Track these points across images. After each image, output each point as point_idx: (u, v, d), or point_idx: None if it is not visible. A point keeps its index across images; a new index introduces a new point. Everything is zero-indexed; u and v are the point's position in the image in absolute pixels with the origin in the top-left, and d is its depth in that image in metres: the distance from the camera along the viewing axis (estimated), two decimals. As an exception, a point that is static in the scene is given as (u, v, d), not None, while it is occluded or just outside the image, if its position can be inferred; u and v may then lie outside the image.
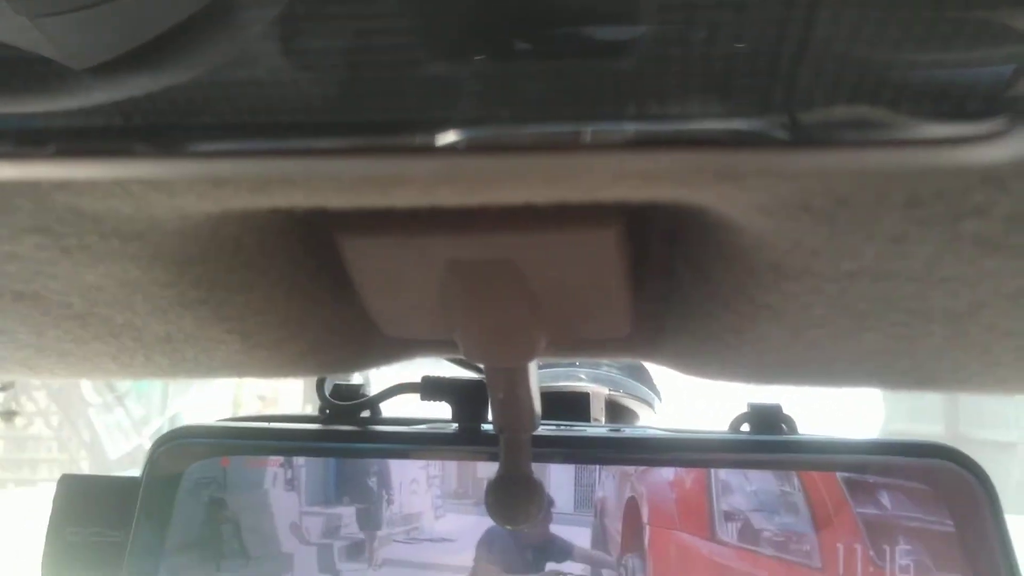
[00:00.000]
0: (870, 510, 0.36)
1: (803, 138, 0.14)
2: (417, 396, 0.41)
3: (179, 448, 0.39)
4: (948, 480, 0.35)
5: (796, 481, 0.37)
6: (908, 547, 0.35)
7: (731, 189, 0.17)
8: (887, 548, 0.35)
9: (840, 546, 0.36)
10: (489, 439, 0.38)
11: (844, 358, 0.25)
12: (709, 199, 0.18)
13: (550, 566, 0.38)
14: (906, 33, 0.12)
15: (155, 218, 0.19)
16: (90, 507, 0.39)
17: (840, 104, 0.13)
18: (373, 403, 0.42)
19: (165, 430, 0.41)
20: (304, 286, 0.26)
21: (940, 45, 0.12)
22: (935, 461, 0.36)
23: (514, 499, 0.32)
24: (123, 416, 3.43)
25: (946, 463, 0.35)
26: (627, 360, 0.33)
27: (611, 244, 0.23)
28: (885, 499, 0.36)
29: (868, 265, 0.19)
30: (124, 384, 3.38)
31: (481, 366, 0.46)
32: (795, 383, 0.30)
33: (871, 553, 0.36)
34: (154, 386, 3.50)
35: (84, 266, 0.21)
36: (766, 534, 0.36)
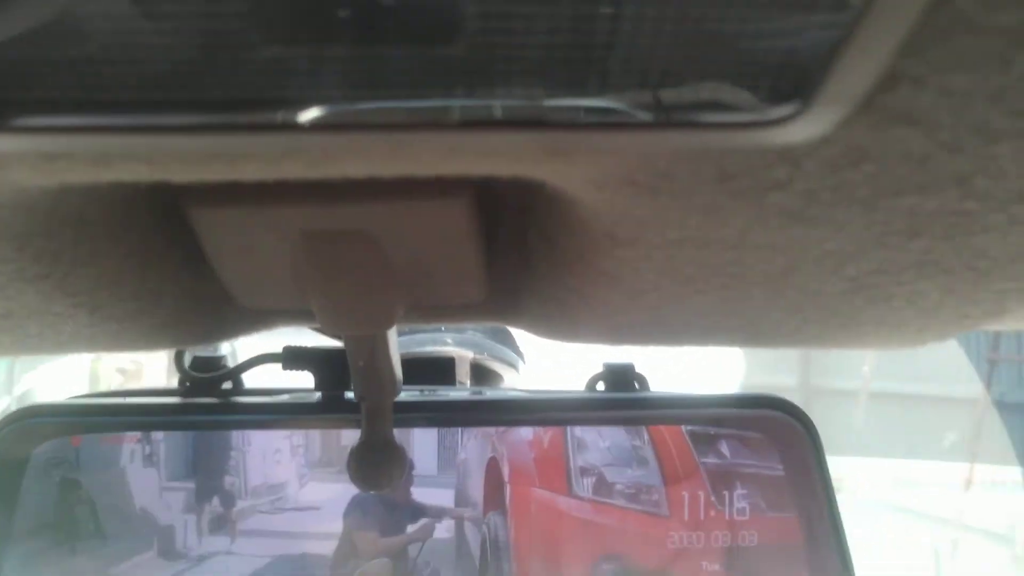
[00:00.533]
0: (711, 459, 0.39)
1: (623, 119, 0.15)
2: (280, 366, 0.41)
3: (25, 429, 0.37)
4: (779, 428, 0.39)
5: (646, 435, 0.39)
6: (744, 491, 0.39)
7: (562, 165, 0.18)
8: (726, 493, 0.39)
9: (685, 494, 0.39)
10: (352, 407, 0.38)
11: (678, 319, 0.27)
12: (543, 174, 0.19)
13: (415, 527, 0.39)
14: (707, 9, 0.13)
15: None
16: None
17: (654, 86, 0.15)
18: (234, 374, 0.41)
19: (13, 409, 0.39)
20: (156, 257, 0.26)
21: (733, 16, 0.13)
22: (768, 412, 0.39)
23: (376, 464, 0.33)
24: (-36, 396, 3.17)
25: (777, 413, 0.39)
26: (487, 324, 0.34)
27: (461, 213, 0.23)
28: (725, 448, 0.39)
29: (690, 234, 0.21)
30: (-36, 362, 3.12)
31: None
32: (640, 343, 0.32)
33: (712, 499, 0.39)
34: (-1, 363, 3.25)
35: None
36: (619, 487, 0.39)
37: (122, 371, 3.67)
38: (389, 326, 0.29)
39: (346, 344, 0.31)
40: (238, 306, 0.29)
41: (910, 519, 3.08)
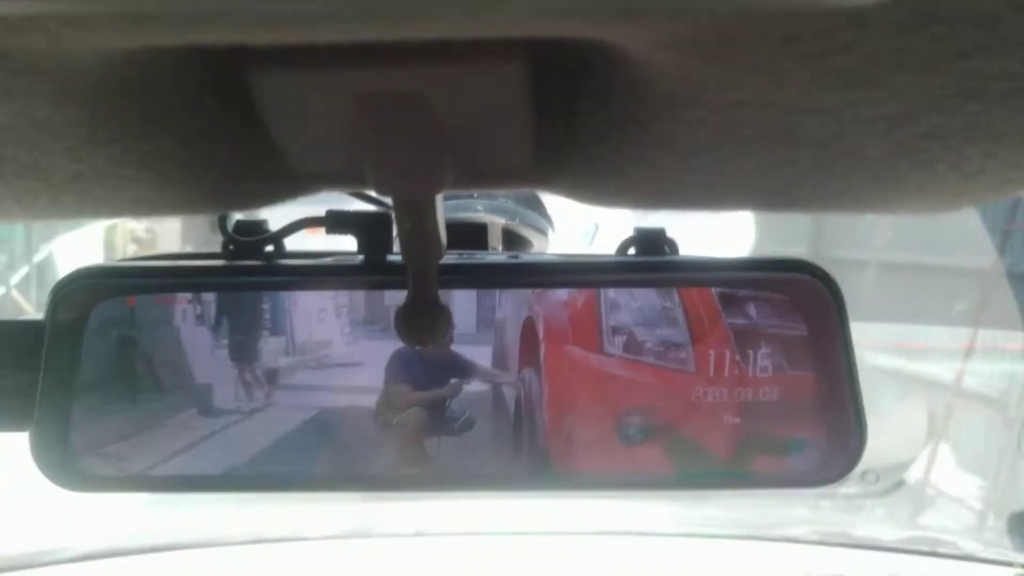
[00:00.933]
0: (738, 320, 0.41)
1: None
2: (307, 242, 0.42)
3: (83, 289, 0.39)
4: (805, 290, 0.40)
5: (676, 297, 0.41)
6: (768, 350, 0.41)
7: (634, 27, 0.18)
8: (751, 352, 0.41)
9: (711, 352, 0.41)
10: (394, 269, 0.40)
11: (725, 183, 0.28)
12: (612, 36, 0.19)
13: (453, 382, 0.41)
14: None
15: (69, 55, 0.19)
16: None
17: None
18: (277, 238, 0.42)
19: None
20: (215, 123, 0.26)
21: None
22: (795, 274, 0.40)
23: (422, 322, 0.35)
24: (-16, 265, 3.23)
25: (804, 276, 0.40)
26: (526, 191, 0.34)
27: (515, 76, 0.24)
28: (752, 310, 0.41)
29: (748, 96, 0.21)
30: (-19, 232, 3.15)
31: (387, 199, 0.47)
32: (681, 207, 0.32)
33: (737, 357, 0.41)
34: (15, 233, 3.28)
35: None
36: (648, 345, 0.41)
37: (136, 240, 3.71)
38: (439, 190, 0.30)
39: (395, 207, 0.32)
40: (290, 170, 0.30)
41: (909, 384, 3.17)
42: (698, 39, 0.19)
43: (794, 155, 0.25)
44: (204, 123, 0.26)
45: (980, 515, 2.75)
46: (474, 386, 0.41)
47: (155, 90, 0.23)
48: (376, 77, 0.23)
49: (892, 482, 2.24)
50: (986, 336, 2.98)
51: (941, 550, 1.19)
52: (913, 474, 2.82)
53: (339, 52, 0.22)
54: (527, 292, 0.41)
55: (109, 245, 3.60)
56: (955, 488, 2.88)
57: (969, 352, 3.02)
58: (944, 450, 2.94)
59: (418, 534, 1.21)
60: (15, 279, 3.31)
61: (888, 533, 1.26)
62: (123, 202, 0.28)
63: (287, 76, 0.23)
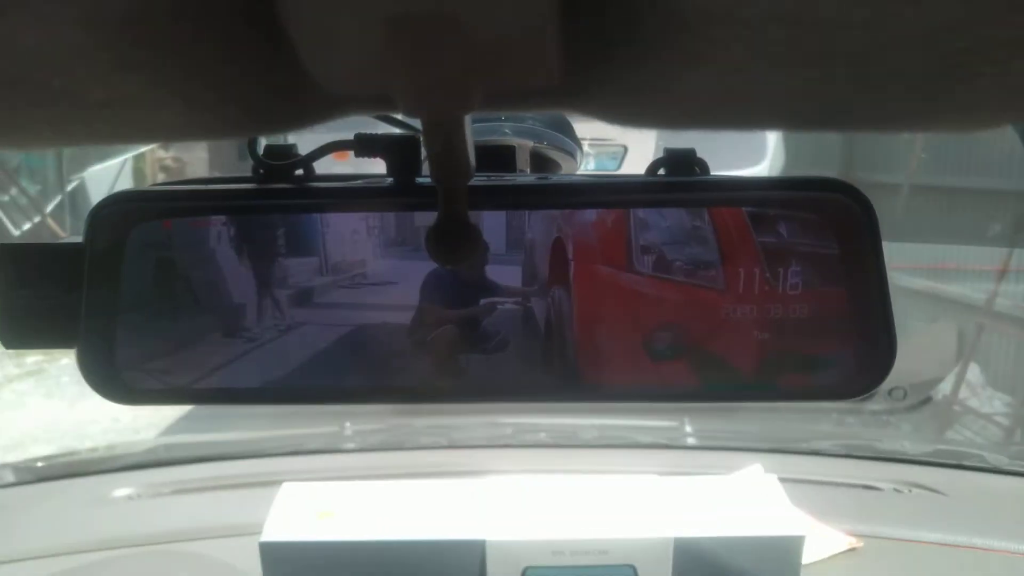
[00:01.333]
0: (769, 238, 0.41)
1: None
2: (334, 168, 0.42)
3: (120, 212, 0.40)
4: (837, 209, 0.40)
5: (706, 216, 0.41)
6: (798, 268, 0.41)
7: None
8: (781, 270, 0.41)
9: (741, 270, 0.41)
10: (424, 191, 0.40)
11: (758, 102, 0.28)
12: None
13: (486, 300, 0.42)
14: None
15: None
16: (36, 272, 0.40)
17: None
18: (307, 161, 0.43)
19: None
20: (243, 45, 0.26)
21: None
22: (827, 193, 0.40)
23: (453, 242, 0.35)
24: (18, 194, 3.27)
25: (836, 194, 0.40)
26: (555, 112, 0.34)
27: None
28: (782, 228, 0.41)
29: (784, 11, 0.21)
30: (13, 160, 3.19)
31: (414, 122, 0.47)
32: (714, 127, 0.32)
33: (767, 275, 0.41)
34: (47, 161, 3.31)
35: (20, 28, 0.21)
36: (678, 263, 0.41)
37: (165, 168, 3.73)
38: (469, 110, 0.30)
39: (424, 129, 0.32)
40: (319, 93, 0.30)
41: (940, 304, 3.15)
42: None
43: (830, 73, 0.25)
44: (233, 46, 0.26)
45: (1007, 431, 2.76)
46: (505, 305, 0.41)
47: (184, 12, 0.23)
48: None
49: (919, 399, 2.25)
50: (1021, 256, 2.93)
51: (967, 463, 1.21)
52: (941, 391, 2.83)
53: None
54: (556, 213, 0.41)
55: (138, 173, 3.63)
56: (982, 405, 2.89)
57: (1003, 274, 2.98)
58: (973, 369, 2.94)
59: (451, 445, 1.25)
60: (49, 207, 3.36)
61: (914, 447, 1.27)
62: (155, 127, 0.29)
63: None
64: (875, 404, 2.21)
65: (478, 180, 0.40)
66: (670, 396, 0.44)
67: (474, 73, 0.27)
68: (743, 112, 0.30)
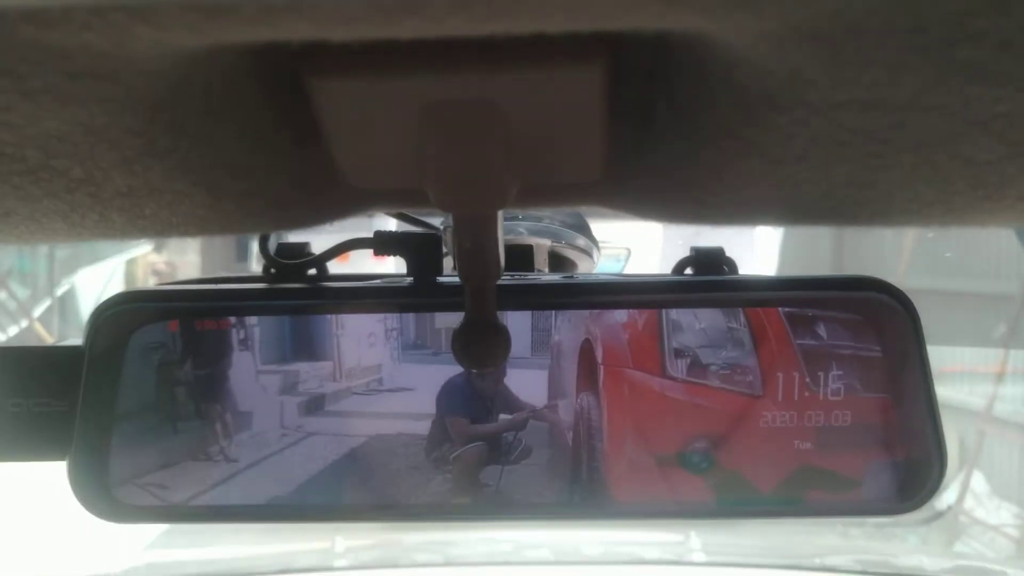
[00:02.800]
0: (808, 340, 0.39)
1: None
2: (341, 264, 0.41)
3: (124, 313, 0.38)
4: (878, 309, 0.38)
5: (742, 317, 0.39)
6: (840, 372, 0.38)
7: (746, 15, 0.16)
8: (821, 374, 0.38)
9: (780, 375, 0.39)
10: (446, 290, 0.38)
11: (813, 193, 0.26)
12: (723, 27, 0.17)
13: (509, 417, 0.39)
14: None
15: (131, 56, 0.17)
16: (30, 378, 0.38)
17: None
18: (320, 261, 0.41)
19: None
20: (270, 135, 0.25)
21: None
22: (867, 293, 0.38)
23: (481, 344, 0.33)
24: (7, 298, 3.26)
25: (877, 294, 0.38)
26: (593, 208, 0.33)
27: (592, 81, 0.22)
28: (821, 330, 0.39)
29: (858, 96, 0.20)
30: (5, 263, 3.19)
31: (434, 222, 0.46)
32: (756, 222, 0.31)
33: (807, 380, 0.38)
34: (38, 265, 3.31)
35: (46, 112, 0.19)
36: (713, 368, 0.39)
37: (157, 272, 3.73)
38: (503, 206, 0.28)
39: (455, 224, 0.30)
40: (346, 187, 0.29)
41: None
42: (817, 28, 0.17)
43: (893, 160, 0.23)
44: (261, 136, 0.25)
45: (1017, 543, 2.68)
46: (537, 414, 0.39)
47: (214, 99, 0.22)
48: (443, 84, 0.22)
49: (930, 512, 2.19)
50: (1018, 359, 2.93)
51: (990, 581, 1.16)
52: (946, 502, 2.76)
53: (405, 58, 0.21)
54: (583, 314, 0.39)
55: (130, 277, 3.63)
56: (990, 516, 2.81)
57: (1000, 376, 2.97)
58: (977, 477, 2.88)
59: (448, 563, 1.18)
60: (38, 311, 3.34)
61: (931, 562, 1.21)
62: (174, 219, 0.27)
63: (349, 83, 0.22)
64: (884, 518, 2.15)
65: (503, 279, 0.38)
66: (708, 514, 0.41)
67: (512, 167, 0.26)
68: (791, 207, 0.29)
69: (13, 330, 3.31)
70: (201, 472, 0.38)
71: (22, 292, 3.32)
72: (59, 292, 3.30)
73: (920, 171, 0.24)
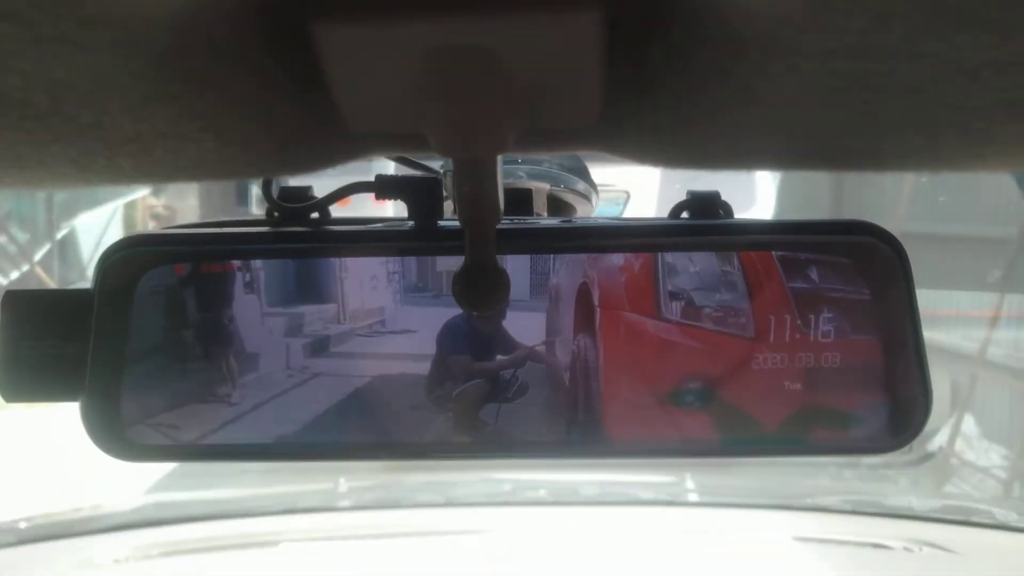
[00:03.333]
0: (800, 284, 0.39)
1: None
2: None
3: (131, 257, 0.38)
4: (869, 253, 0.39)
5: (736, 261, 0.39)
6: (830, 315, 0.39)
7: None
8: (812, 316, 0.39)
9: (772, 317, 0.39)
10: (447, 234, 0.39)
11: (805, 138, 0.27)
12: None
13: (508, 356, 0.40)
14: None
15: (141, 2, 0.18)
16: (42, 321, 0.38)
17: None
18: (323, 205, 0.41)
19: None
20: (275, 81, 0.26)
21: None
22: (859, 237, 0.39)
23: (481, 287, 0.34)
24: (7, 242, 3.26)
25: (869, 238, 0.39)
26: (591, 152, 0.33)
27: (592, 27, 0.23)
28: (814, 273, 0.40)
29: (849, 42, 0.20)
30: (2, 207, 3.18)
31: (438, 167, 0.46)
32: (753, 167, 0.31)
33: (798, 322, 0.39)
34: (36, 209, 3.30)
35: (56, 59, 0.19)
36: (707, 310, 0.40)
37: (156, 216, 3.72)
38: (503, 151, 0.29)
39: (455, 169, 0.31)
40: (346, 132, 0.29)
41: (930, 353, 3.15)
42: None
43: (883, 107, 0.24)
44: (266, 82, 0.25)
45: (1006, 484, 2.73)
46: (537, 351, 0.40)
47: (220, 46, 0.22)
48: (445, 29, 0.22)
49: (920, 454, 2.23)
50: (1012, 303, 2.95)
51: (975, 519, 1.19)
52: (937, 444, 2.80)
53: (407, 4, 0.21)
54: (581, 257, 0.40)
55: (129, 221, 3.62)
56: (979, 458, 2.87)
57: (995, 320, 2.99)
58: (968, 421, 2.93)
59: (448, 503, 1.21)
60: (38, 255, 3.34)
61: (919, 502, 1.25)
62: (180, 164, 0.28)
63: (353, 29, 0.22)
64: (873, 458, 2.19)
65: (503, 223, 0.39)
66: (699, 451, 0.42)
67: (511, 111, 0.26)
68: (785, 151, 0.29)
69: (14, 274, 3.32)
70: (210, 412, 0.40)
71: (21, 236, 3.31)
72: (59, 236, 3.30)
73: (910, 117, 0.24)
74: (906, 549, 1.12)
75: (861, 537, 1.14)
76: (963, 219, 3.08)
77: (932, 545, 1.12)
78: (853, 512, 1.23)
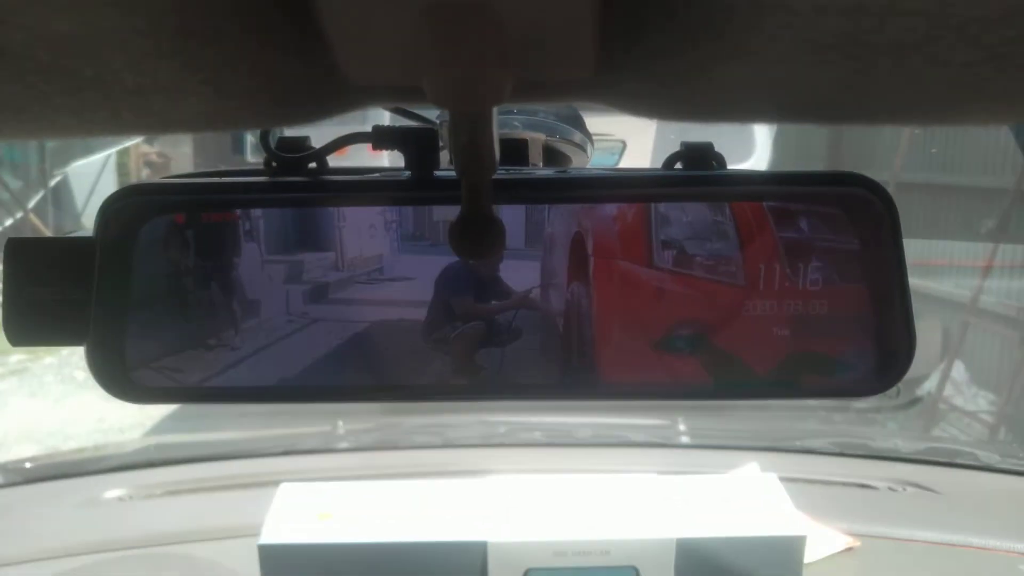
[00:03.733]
0: (789, 233, 0.40)
1: None
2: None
3: (132, 206, 0.39)
4: (858, 204, 0.39)
5: (728, 211, 0.40)
6: (819, 264, 0.40)
7: None
8: (801, 265, 0.40)
9: (762, 266, 0.40)
10: (443, 184, 0.39)
11: (797, 93, 0.27)
12: None
13: (508, 299, 0.41)
14: None
15: None
16: (45, 268, 0.39)
17: None
18: (320, 154, 0.42)
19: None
20: (274, 34, 0.26)
21: None
22: (849, 188, 0.40)
23: (479, 235, 0.34)
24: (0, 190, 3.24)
25: (857, 189, 0.39)
26: (587, 104, 0.34)
27: None
28: (803, 223, 0.40)
29: (838, 0, 0.20)
30: (-6, 155, 3.15)
31: (434, 118, 0.46)
32: (748, 120, 0.32)
33: (787, 271, 0.40)
34: (29, 156, 3.27)
35: (56, 13, 0.20)
36: (698, 259, 0.40)
37: (150, 164, 3.70)
38: (499, 102, 0.29)
39: (452, 120, 0.31)
40: (346, 84, 0.29)
41: (923, 302, 3.18)
42: None
43: (872, 63, 0.24)
44: (265, 35, 0.26)
45: (992, 428, 2.79)
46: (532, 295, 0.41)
47: (221, 2, 0.23)
48: None
49: (909, 398, 2.27)
50: (1007, 252, 2.97)
51: (959, 461, 1.22)
52: (926, 389, 2.85)
53: None
54: (576, 208, 0.40)
55: (122, 169, 3.60)
56: (967, 403, 2.91)
57: (987, 270, 3.01)
58: (958, 366, 2.97)
59: (445, 444, 1.24)
60: (32, 202, 3.32)
61: (906, 446, 1.28)
62: (181, 116, 0.28)
63: None
64: (863, 401, 2.23)
65: (498, 174, 0.39)
66: (688, 394, 0.43)
67: (507, 63, 0.27)
68: (779, 105, 0.30)
69: (8, 221, 3.30)
70: (212, 356, 0.41)
71: (14, 183, 3.29)
72: (52, 183, 3.28)
73: (898, 73, 0.25)
74: (890, 489, 1.15)
75: (847, 478, 1.17)
76: (959, 169, 3.08)
77: (916, 485, 1.15)
78: (840, 454, 1.26)
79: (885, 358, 0.41)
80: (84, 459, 1.27)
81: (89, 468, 1.21)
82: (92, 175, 3.28)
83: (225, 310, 0.41)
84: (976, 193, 3.11)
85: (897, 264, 0.40)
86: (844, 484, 1.16)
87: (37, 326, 0.39)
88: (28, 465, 1.22)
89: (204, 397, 0.43)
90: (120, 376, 0.40)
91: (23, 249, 0.39)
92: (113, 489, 1.15)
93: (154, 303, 0.40)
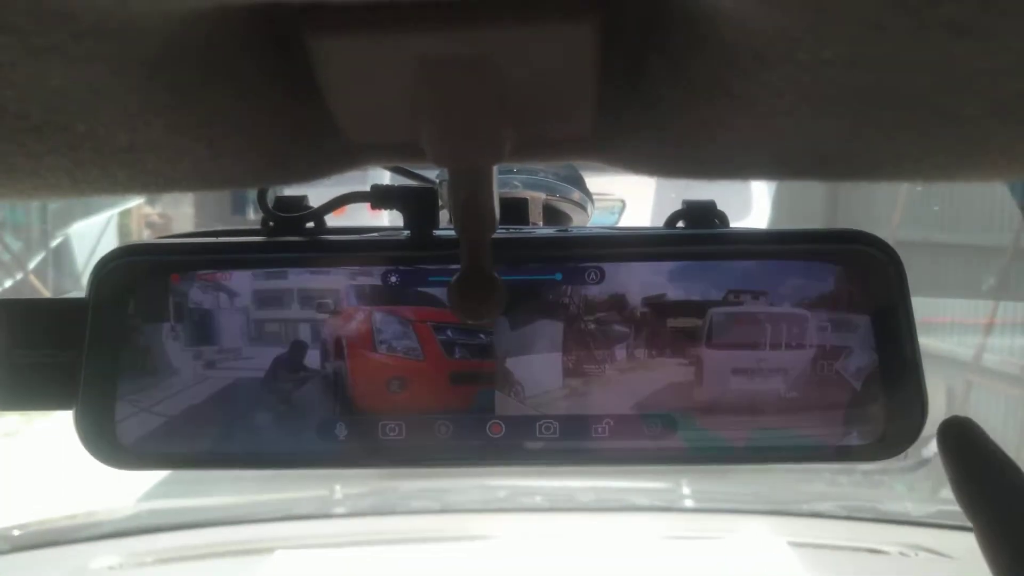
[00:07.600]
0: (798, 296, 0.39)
1: None
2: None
3: (125, 266, 0.38)
4: (863, 263, 0.39)
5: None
6: (826, 325, 0.39)
7: None
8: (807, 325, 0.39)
9: (767, 327, 0.40)
10: (443, 243, 0.39)
11: (801, 147, 0.27)
12: None
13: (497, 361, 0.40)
14: None
15: (135, 16, 0.18)
16: (36, 330, 0.38)
17: None
18: (318, 214, 0.41)
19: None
20: (269, 92, 0.26)
21: None
22: (853, 246, 0.39)
23: (477, 296, 0.34)
24: (0, 251, 3.25)
25: (862, 247, 0.39)
26: (587, 162, 0.33)
27: (588, 37, 0.23)
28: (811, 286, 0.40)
29: (842, 52, 0.20)
30: (-4, 218, 3.17)
31: (433, 177, 0.46)
32: (750, 176, 0.31)
33: (794, 331, 0.39)
34: (31, 217, 3.30)
35: (50, 70, 0.19)
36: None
37: (151, 225, 3.72)
38: (499, 160, 0.29)
39: (451, 179, 0.31)
40: (344, 142, 0.29)
41: (927, 361, 3.16)
42: None
43: (878, 117, 0.24)
44: (261, 93, 0.26)
45: (1001, 490, 2.73)
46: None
47: (214, 56, 0.22)
48: (440, 40, 0.23)
49: (917, 460, 2.23)
50: (1007, 309, 2.96)
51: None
52: (932, 450, 2.81)
53: (403, 14, 0.21)
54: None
55: (124, 229, 3.62)
56: (975, 464, 2.86)
57: (989, 328, 3.00)
58: (964, 426, 2.92)
59: (444, 510, 1.21)
60: (32, 263, 3.33)
61: (916, 509, 1.25)
62: (175, 174, 0.28)
63: (348, 41, 0.22)
64: (869, 464, 2.19)
65: (499, 233, 0.39)
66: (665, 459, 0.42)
67: (507, 121, 0.26)
68: (782, 161, 0.29)
69: (8, 282, 3.31)
70: (206, 421, 0.40)
71: (15, 244, 3.31)
72: (53, 244, 3.30)
73: (904, 127, 0.24)
74: (902, 554, 1.12)
75: (857, 542, 1.14)
76: (957, 227, 3.10)
77: (928, 550, 1.12)
78: (848, 517, 1.23)
79: (897, 422, 0.40)
80: (74, 526, 1.24)
81: (80, 535, 1.18)
82: (93, 236, 3.30)
83: (220, 373, 0.40)
84: (975, 251, 3.13)
85: (907, 324, 0.39)
86: (854, 549, 1.13)
87: (25, 390, 0.38)
88: (16, 533, 1.19)
89: (197, 463, 0.41)
90: (109, 442, 0.39)
91: (12, 310, 0.38)
92: (104, 557, 1.12)
93: (146, 365, 0.39)
